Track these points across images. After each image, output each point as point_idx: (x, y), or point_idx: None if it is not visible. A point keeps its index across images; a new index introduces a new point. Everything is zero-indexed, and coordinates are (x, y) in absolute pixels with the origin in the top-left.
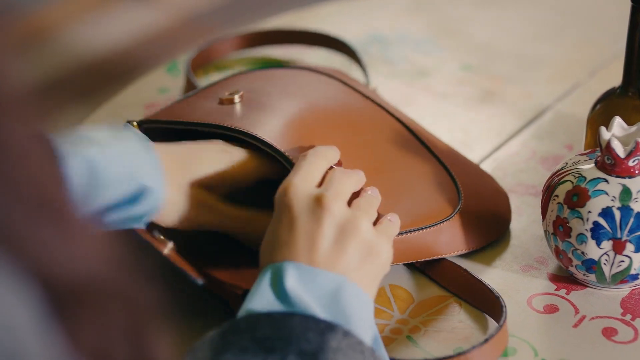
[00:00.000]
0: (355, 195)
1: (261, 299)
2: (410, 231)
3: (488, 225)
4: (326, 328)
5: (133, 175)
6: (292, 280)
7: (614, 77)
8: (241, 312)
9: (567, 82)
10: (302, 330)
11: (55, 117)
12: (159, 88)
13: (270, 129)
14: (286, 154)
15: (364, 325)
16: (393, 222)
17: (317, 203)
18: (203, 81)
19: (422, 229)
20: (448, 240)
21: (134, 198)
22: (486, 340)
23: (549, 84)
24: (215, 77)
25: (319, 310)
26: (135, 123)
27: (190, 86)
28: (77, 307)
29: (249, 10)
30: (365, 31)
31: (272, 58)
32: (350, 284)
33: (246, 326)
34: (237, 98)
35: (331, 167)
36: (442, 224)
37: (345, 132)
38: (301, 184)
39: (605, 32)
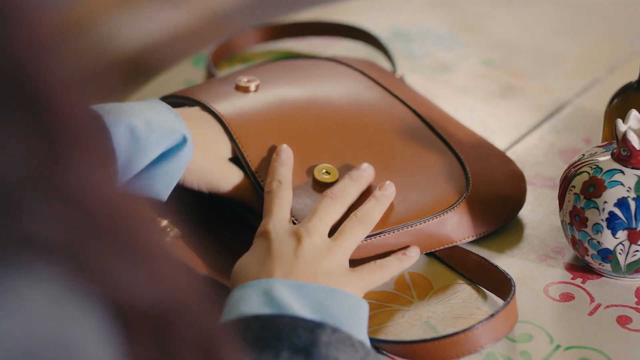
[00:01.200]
0: (365, 194)
1: (249, 303)
2: (415, 224)
3: (499, 209)
4: (315, 326)
5: (173, 129)
6: (279, 288)
7: (633, 73)
8: (227, 315)
9: (586, 78)
10: (292, 328)
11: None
12: (185, 80)
13: (270, 125)
14: (256, 174)
15: (356, 324)
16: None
17: (295, 235)
18: (226, 73)
19: (426, 220)
20: (456, 228)
21: (174, 149)
22: (492, 316)
23: (568, 80)
24: (239, 68)
25: (306, 312)
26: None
27: (210, 77)
28: (147, 332)
29: (273, 7)
30: (388, 27)
31: (297, 51)
32: (337, 290)
33: (236, 327)
34: (252, 86)
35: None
36: (446, 214)
37: (352, 126)
38: (279, 224)
39: (625, 29)
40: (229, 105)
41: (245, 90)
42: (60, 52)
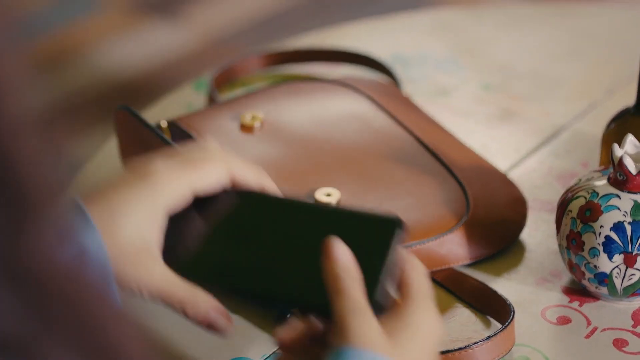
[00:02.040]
0: None
1: None
2: (414, 244)
3: (498, 233)
4: None
5: None
6: None
7: (631, 97)
8: None
9: (584, 102)
10: None
11: (80, 137)
12: (186, 104)
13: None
14: None
15: None
16: None
17: None
18: (228, 97)
19: (425, 241)
20: (455, 250)
21: None
22: (489, 338)
23: (567, 103)
24: (241, 92)
25: None
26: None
27: (212, 102)
28: None
29: (274, 31)
30: (387, 51)
31: (299, 76)
32: None
33: None
34: (257, 125)
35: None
36: (446, 236)
37: (354, 151)
38: None
39: (623, 53)
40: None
41: (250, 129)
42: (19, 97)
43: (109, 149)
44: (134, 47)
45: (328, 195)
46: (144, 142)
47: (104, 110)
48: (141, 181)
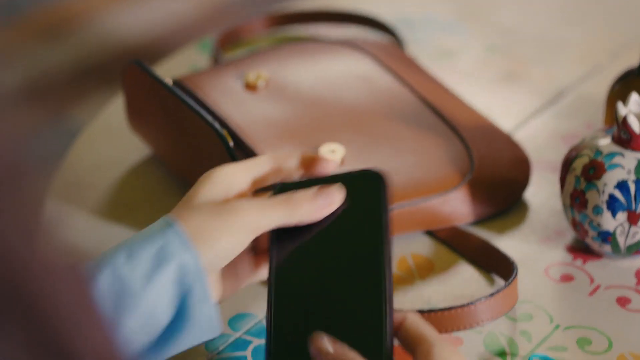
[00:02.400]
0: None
1: None
2: (418, 201)
3: (502, 192)
4: None
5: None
6: None
7: (635, 59)
8: None
9: (589, 65)
10: None
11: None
12: (191, 65)
13: (281, 124)
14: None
15: None
16: None
17: None
18: (233, 56)
19: (429, 198)
20: (459, 208)
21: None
22: (492, 295)
23: (571, 66)
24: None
25: None
26: (169, 81)
27: (216, 63)
28: None
29: None
30: (393, 14)
31: (304, 37)
32: None
33: None
34: (261, 83)
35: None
36: (450, 193)
37: (360, 111)
38: None
39: (629, 16)
40: (239, 112)
41: (254, 88)
42: None
43: (113, 109)
44: (140, 13)
45: (332, 151)
46: (154, 98)
47: (108, 76)
48: (228, 213)
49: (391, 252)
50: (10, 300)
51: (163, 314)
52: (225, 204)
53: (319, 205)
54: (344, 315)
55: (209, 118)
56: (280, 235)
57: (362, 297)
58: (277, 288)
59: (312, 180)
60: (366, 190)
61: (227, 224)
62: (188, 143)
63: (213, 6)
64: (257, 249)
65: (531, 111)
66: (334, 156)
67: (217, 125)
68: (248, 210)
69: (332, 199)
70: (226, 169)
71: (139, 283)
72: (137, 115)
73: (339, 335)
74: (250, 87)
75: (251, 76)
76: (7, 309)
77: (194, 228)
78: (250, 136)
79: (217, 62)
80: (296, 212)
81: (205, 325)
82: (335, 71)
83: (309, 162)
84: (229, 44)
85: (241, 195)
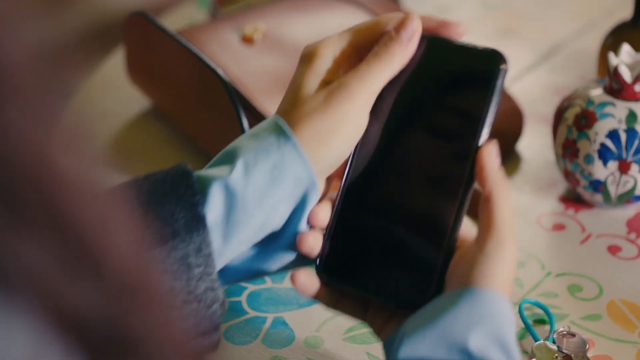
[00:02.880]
0: None
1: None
2: None
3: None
4: None
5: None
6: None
7: (627, 16)
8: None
9: (583, 21)
10: None
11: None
12: (188, 21)
13: (279, 76)
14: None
15: None
16: None
17: None
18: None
19: None
20: None
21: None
22: None
23: (566, 22)
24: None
25: None
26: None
27: (213, 19)
28: None
29: None
30: None
31: None
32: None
33: None
34: (258, 36)
35: None
36: None
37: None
38: None
39: None
40: (236, 64)
41: (251, 41)
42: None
43: (113, 63)
44: None
45: None
46: (157, 48)
47: (109, 43)
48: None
49: (482, 144)
50: (38, 202)
51: (274, 227)
52: (333, 90)
53: (406, 44)
54: (421, 188)
55: (213, 65)
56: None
57: (443, 172)
58: (359, 155)
59: (434, 41)
60: (480, 69)
61: (339, 120)
62: (190, 93)
63: None
64: None
65: (526, 65)
66: None
67: (220, 71)
68: (356, 91)
69: (413, 30)
70: (323, 44)
71: (254, 199)
72: (138, 67)
73: (404, 225)
74: (247, 39)
75: (248, 29)
76: (35, 210)
77: (307, 137)
78: (247, 87)
79: (214, 17)
80: (394, 63)
81: None
82: (331, 24)
83: (434, 25)
84: (227, 0)
85: (351, 62)
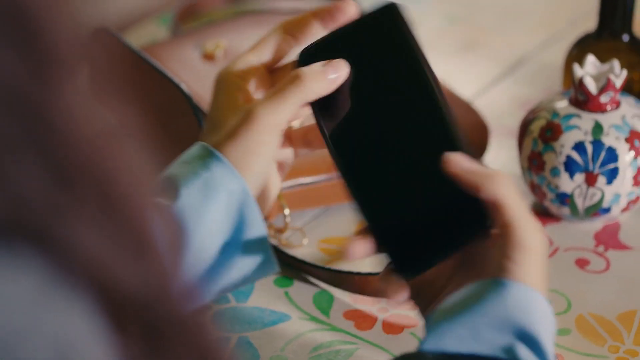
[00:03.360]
0: None
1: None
2: None
3: None
4: None
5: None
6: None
7: (592, 27)
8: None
9: (547, 33)
10: None
11: None
12: (150, 37)
13: None
14: None
15: None
16: None
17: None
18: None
19: None
20: None
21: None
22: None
23: (530, 34)
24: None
25: None
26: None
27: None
28: (137, 325)
29: None
30: None
31: (262, 9)
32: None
33: None
34: (219, 53)
35: None
36: None
37: None
38: None
39: None
40: (196, 82)
41: (212, 58)
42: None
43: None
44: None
45: None
46: (120, 64)
47: None
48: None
49: (434, 74)
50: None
51: (215, 243)
52: (245, 118)
53: (329, 81)
54: (413, 147)
55: (176, 80)
56: (320, 103)
57: (423, 122)
58: (340, 151)
59: (333, 35)
60: (388, 25)
61: (250, 147)
62: (154, 109)
63: None
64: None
65: (491, 79)
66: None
67: (183, 86)
68: (265, 116)
69: (340, 71)
70: (234, 68)
71: (191, 217)
72: (101, 84)
73: (412, 169)
74: (208, 56)
75: (209, 46)
76: (93, 196)
77: (229, 158)
78: (207, 104)
79: (175, 34)
80: (309, 92)
81: (257, 249)
82: None
83: (326, 14)
84: (189, 17)
85: (263, 82)
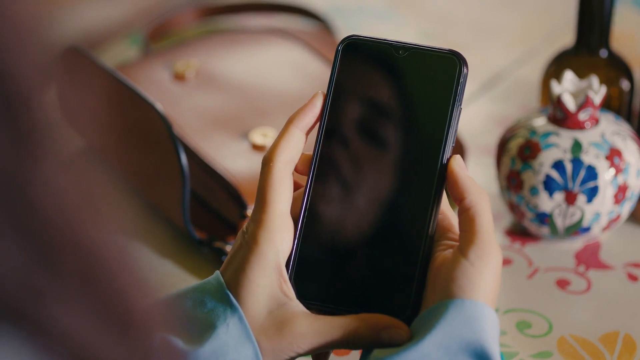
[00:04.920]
0: None
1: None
2: None
3: None
4: None
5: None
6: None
7: (569, 42)
8: None
9: (522, 49)
10: None
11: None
12: (121, 57)
13: (211, 114)
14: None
15: None
16: None
17: None
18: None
19: None
20: None
21: None
22: None
23: (505, 51)
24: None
25: None
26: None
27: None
28: None
29: None
30: (327, 3)
31: (233, 28)
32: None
33: None
34: (190, 73)
35: None
36: None
37: (291, 97)
38: None
39: (559, 1)
40: (167, 103)
41: (182, 78)
42: (34, 39)
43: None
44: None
45: (264, 135)
46: (91, 84)
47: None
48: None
49: (449, 150)
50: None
51: None
52: (284, 321)
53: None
54: (391, 199)
55: (150, 99)
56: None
57: (415, 183)
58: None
59: (388, 45)
60: (440, 73)
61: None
62: (126, 130)
63: (145, 9)
64: None
65: (467, 96)
66: (266, 140)
67: (158, 106)
68: (304, 339)
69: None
70: (273, 239)
71: None
72: (70, 104)
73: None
74: (179, 76)
75: (179, 66)
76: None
77: (255, 331)
78: (179, 125)
79: (146, 54)
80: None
81: None
82: (266, 59)
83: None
84: (159, 37)
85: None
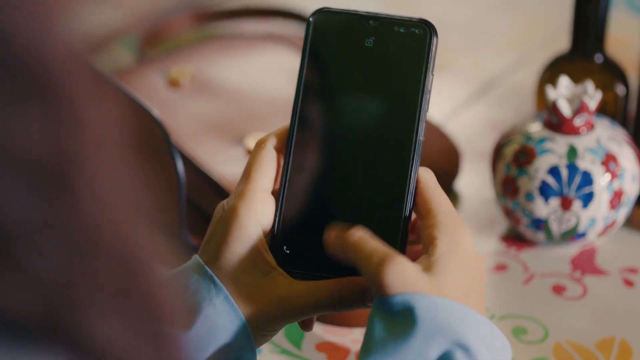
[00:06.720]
0: None
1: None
2: None
3: None
4: None
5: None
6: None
7: (564, 47)
8: None
9: (517, 54)
10: None
11: None
12: (115, 63)
13: (206, 120)
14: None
15: None
16: None
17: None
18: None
19: None
20: None
21: None
22: None
23: (501, 55)
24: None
25: None
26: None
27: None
28: None
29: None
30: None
31: (228, 33)
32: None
33: None
34: (184, 79)
35: None
36: None
37: (282, 99)
38: None
39: (556, 3)
40: (162, 109)
41: (177, 84)
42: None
43: None
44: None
45: None
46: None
47: None
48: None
49: (424, 119)
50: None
51: None
52: (269, 288)
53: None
54: (364, 187)
55: (147, 105)
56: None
57: (386, 172)
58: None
59: (355, 16)
60: (411, 42)
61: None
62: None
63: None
64: None
65: (461, 101)
66: None
67: (155, 113)
68: (289, 303)
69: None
70: (254, 210)
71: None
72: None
73: (354, 210)
74: (174, 83)
75: (174, 72)
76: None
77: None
78: (175, 132)
79: (141, 60)
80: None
81: None
82: (261, 64)
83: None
84: (154, 42)
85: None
